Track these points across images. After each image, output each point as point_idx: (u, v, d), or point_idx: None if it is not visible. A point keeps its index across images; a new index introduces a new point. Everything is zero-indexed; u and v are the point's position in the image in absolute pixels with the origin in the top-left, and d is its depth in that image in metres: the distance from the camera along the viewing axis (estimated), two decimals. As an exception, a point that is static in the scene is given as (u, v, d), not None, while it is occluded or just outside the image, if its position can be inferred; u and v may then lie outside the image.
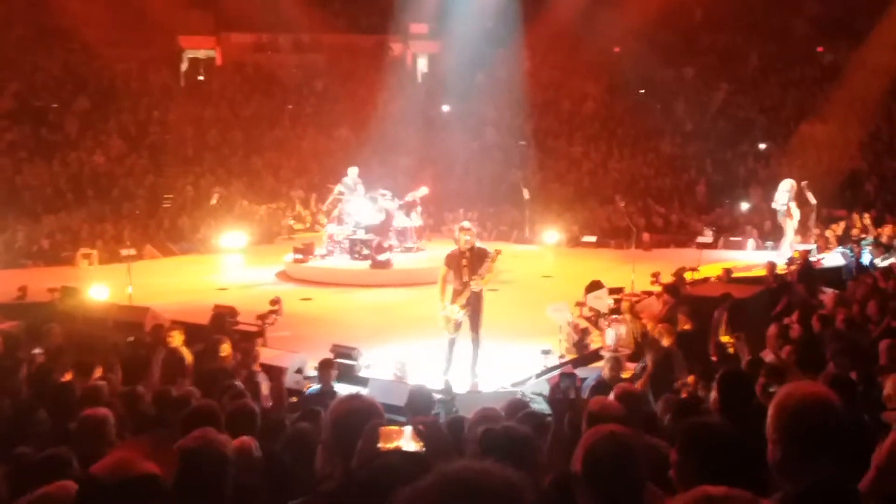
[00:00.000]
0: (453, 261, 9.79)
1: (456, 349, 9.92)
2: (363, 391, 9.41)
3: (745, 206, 22.34)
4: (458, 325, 9.81)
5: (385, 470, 2.94)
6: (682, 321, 10.42)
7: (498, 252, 9.97)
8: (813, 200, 17.78)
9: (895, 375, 5.57)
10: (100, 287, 13.81)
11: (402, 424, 3.17)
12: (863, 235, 18.36)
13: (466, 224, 10.27)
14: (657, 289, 13.33)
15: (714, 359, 8.93)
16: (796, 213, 17.49)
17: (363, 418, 3.22)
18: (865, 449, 3.83)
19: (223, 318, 11.03)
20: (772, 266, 13.69)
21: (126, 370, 8.45)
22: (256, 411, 5.59)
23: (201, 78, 30.63)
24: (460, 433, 4.73)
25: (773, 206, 17.84)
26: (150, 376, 8.09)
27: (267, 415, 6.20)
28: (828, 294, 11.71)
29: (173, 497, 2.98)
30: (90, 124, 25.54)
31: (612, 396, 5.36)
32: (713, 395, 5.06)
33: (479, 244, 10.00)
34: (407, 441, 3.02)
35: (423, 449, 3.01)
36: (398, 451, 2.99)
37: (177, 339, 9.09)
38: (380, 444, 3.01)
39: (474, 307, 9.77)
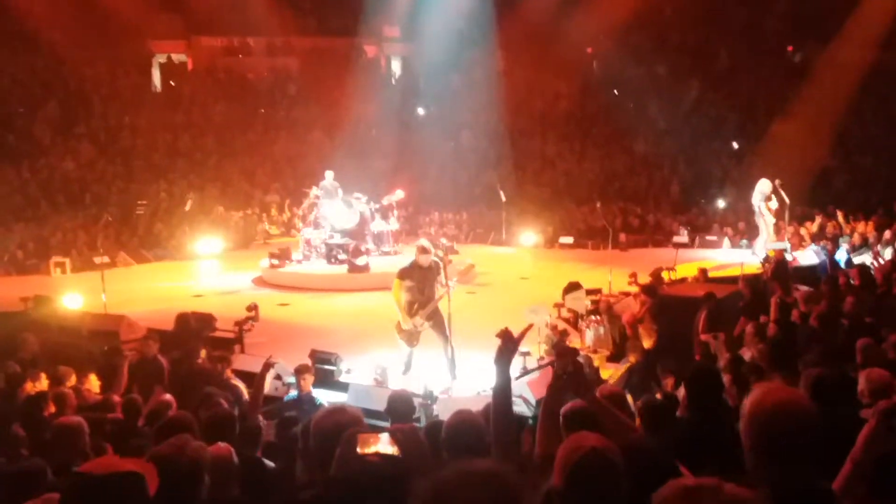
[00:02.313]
0: (413, 275, 9.84)
1: (415, 355, 10.13)
2: (343, 396, 9.39)
3: (720, 204, 22.55)
4: (419, 337, 9.91)
5: (364, 471, 2.94)
6: (650, 323, 10.47)
7: (471, 266, 10.07)
8: (786, 199, 17.93)
9: (867, 371, 5.60)
10: (73, 295, 13.64)
11: (379, 431, 3.17)
12: (837, 232, 18.55)
13: (425, 243, 10.27)
14: (635, 289, 13.38)
15: (697, 358, 8.99)
16: (768, 212, 17.65)
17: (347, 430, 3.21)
18: (844, 448, 3.85)
19: (188, 322, 10.91)
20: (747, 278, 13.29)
21: (103, 379, 8.36)
22: (234, 417, 5.55)
23: (172, 82, 30.39)
24: (437, 437, 4.69)
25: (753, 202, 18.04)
26: (117, 385, 8.00)
27: (244, 421, 6.14)
28: (801, 292, 11.80)
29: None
30: (60, 130, 25.24)
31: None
32: (682, 392, 5.13)
33: (433, 258, 10.06)
34: (384, 446, 3.04)
35: (400, 454, 3.02)
36: (376, 454, 3.00)
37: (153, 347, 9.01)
38: (358, 450, 3.02)
39: (438, 317, 9.88)
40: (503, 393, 3.99)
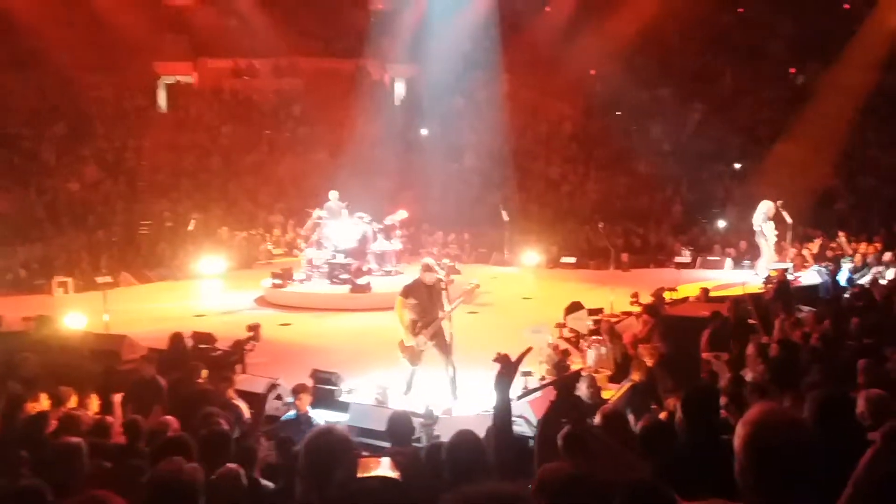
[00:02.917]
0: (417, 293, 9.83)
1: (417, 375, 10.06)
2: (344, 417, 9.37)
3: (721, 225, 22.55)
4: (421, 356, 9.88)
5: (364, 496, 2.93)
6: (655, 344, 10.42)
7: (476, 286, 10.06)
8: (789, 219, 17.94)
9: (866, 392, 5.58)
10: (75, 315, 13.64)
11: (380, 455, 3.18)
12: (839, 253, 18.52)
13: (430, 261, 10.30)
14: (637, 309, 13.36)
15: (704, 377, 8.97)
16: (770, 233, 17.65)
17: (337, 452, 3.21)
18: (846, 470, 3.82)
19: (181, 341, 10.89)
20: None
21: (102, 399, 8.35)
22: (229, 436, 5.54)
23: (178, 104, 30.53)
24: (438, 458, 4.68)
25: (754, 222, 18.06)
26: (114, 406, 7.99)
27: (243, 441, 6.13)
28: (804, 313, 11.79)
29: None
30: (66, 151, 25.37)
31: (597, 418, 5.36)
32: (678, 414, 5.12)
33: (438, 276, 10.07)
34: (385, 471, 3.04)
35: (401, 477, 3.02)
36: (375, 477, 3.00)
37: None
38: (358, 474, 3.02)
39: (441, 336, 9.84)
40: (503, 415, 4.03)
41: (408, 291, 9.90)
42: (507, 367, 4.07)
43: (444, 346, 9.86)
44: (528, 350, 4.33)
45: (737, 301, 11.71)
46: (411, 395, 10.01)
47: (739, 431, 2.62)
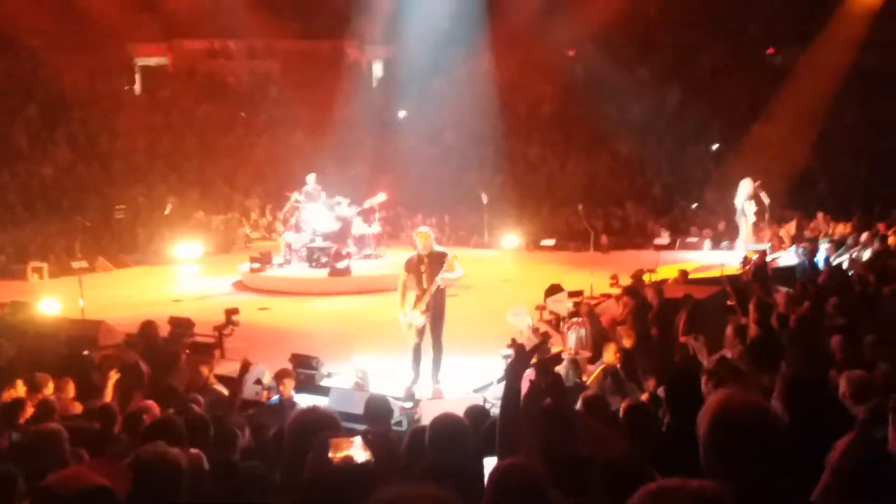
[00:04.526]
0: (412, 266, 9.79)
1: (422, 357, 9.90)
2: (324, 401, 9.32)
3: (700, 206, 22.63)
4: (420, 331, 9.79)
5: (333, 476, 2.93)
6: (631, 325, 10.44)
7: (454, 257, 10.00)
8: (766, 200, 18.02)
9: (847, 373, 5.62)
10: (51, 301, 13.47)
11: (352, 435, 3.16)
12: (817, 234, 18.63)
13: (424, 229, 10.27)
14: (616, 291, 13.38)
15: (677, 359, 9.00)
16: (750, 213, 17.73)
17: (318, 431, 3.19)
18: (820, 451, 3.83)
19: (151, 328, 10.72)
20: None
21: (78, 386, 8.26)
22: (207, 421, 5.52)
23: (152, 86, 30.17)
24: (421, 441, 4.65)
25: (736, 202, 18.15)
26: (105, 393, 7.91)
27: (220, 425, 6.08)
28: (781, 293, 11.84)
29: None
30: (38, 135, 25.01)
31: (579, 403, 5.38)
32: (661, 395, 5.16)
33: (437, 248, 10.01)
34: (357, 451, 3.02)
35: (372, 458, 3.01)
36: (345, 462, 2.98)
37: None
38: (330, 455, 3.01)
39: (436, 312, 9.76)
40: (511, 405, 3.95)
41: (407, 264, 9.89)
42: (521, 357, 4.03)
43: (437, 323, 9.78)
44: (545, 341, 4.34)
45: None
46: (418, 382, 9.85)
47: (701, 418, 2.61)
